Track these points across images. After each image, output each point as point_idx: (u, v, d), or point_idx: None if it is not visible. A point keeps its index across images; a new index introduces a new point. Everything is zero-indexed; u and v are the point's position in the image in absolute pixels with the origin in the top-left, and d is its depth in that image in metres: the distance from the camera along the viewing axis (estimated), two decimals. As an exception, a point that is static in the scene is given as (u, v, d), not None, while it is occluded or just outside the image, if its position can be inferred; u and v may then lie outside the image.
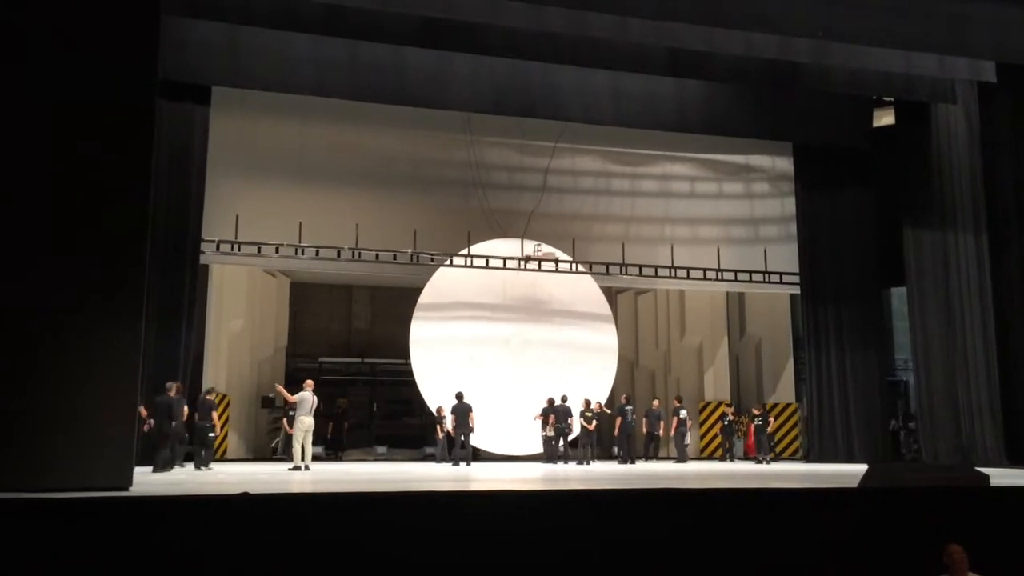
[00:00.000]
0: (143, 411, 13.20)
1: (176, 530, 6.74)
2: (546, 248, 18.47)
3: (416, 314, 18.36)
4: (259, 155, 17.07)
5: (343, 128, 17.68)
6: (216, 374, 18.81)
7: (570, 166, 19.22)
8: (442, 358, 18.18)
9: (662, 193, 19.83)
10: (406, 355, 18.60)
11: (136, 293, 8.52)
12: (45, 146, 8.35)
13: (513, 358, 18.44)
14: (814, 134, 19.06)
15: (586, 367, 18.82)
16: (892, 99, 18.50)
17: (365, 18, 13.96)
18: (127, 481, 8.19)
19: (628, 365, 22.95)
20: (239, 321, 19.89)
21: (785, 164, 20.15)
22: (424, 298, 18.40)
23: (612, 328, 19.61)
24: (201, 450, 14.73)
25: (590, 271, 18.69)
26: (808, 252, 19.38)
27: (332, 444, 20.64)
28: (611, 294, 21.83)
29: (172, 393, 14.09)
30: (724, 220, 19.90)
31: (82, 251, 8.28)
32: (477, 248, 18.26)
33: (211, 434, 14.87)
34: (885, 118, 19.28)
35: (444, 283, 18.43)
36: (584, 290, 19.16)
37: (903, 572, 7.59)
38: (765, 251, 19.59)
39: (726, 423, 20.22)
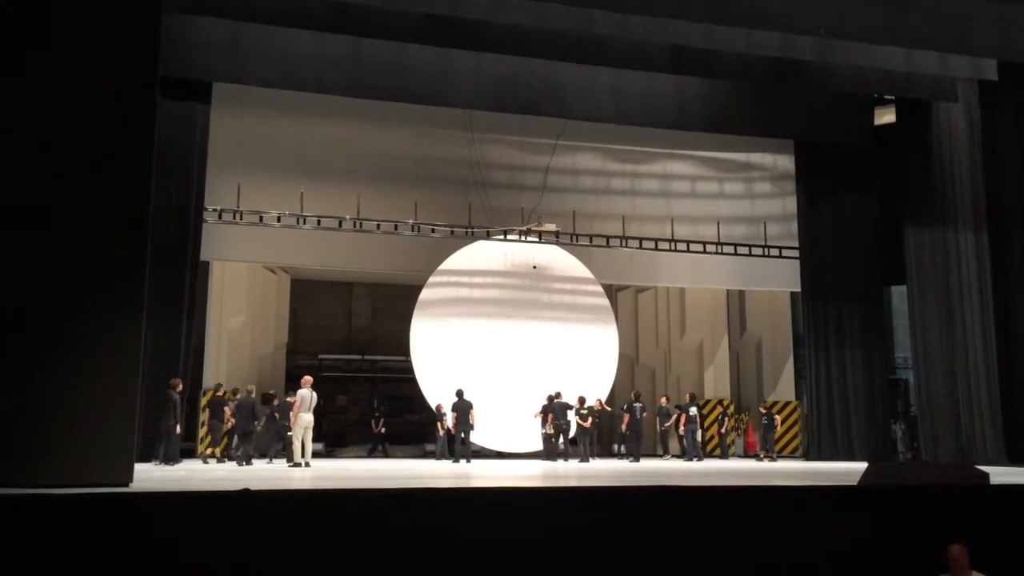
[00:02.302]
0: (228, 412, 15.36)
1: (176, 527, 6.75)
2: (548, 224, 18.39)
3: (417, 310, 18.34)
4: (260, 152, 17.04)
5: (344, 125, 17.64)
6: (217, 371, 18.83)
7: (571, 164, 19.20)
8: (443, 355, 18.17)
9: (663, 192, 19.80)
10: (407, 352, 18.60)
11: (137, 290, 8.52)
12: (45, 144, 8.33)
13: (514, 356, 18.41)
14: (815, 132, 19.05)
15: (586, 365, 18.81)
16: (893, 97, 18.48)
17: (368, 15, 13.95)
18: (127, 477, 8.20)
19: (628, 363, 22.96)
20: (240, 318, 19.89)
21: (786, 162, 20.14)
22: (425, 295, 18.38)
23: (613, 326, 19.60)
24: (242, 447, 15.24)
25: (590, 243, 18.66)
26: (808, 250, 19.37)
27: (331, 441, 20.71)
28: (611, 292, 21.84)
29: None
30: (725, 218, 19.89)
31: (83, 249, 8.27)
32: (477, 246, 18.31)
33: (289, 433, 15.42)
34: (886, 116, 19.26)
35: (445, 280, 18.44)
36: (585, 288, 19.16)
37: (903, 571, 7.60)
38: (765, 225, 19.58)
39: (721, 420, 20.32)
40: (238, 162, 16.73)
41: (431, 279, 18.39)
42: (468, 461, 16.56)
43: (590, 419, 17.54)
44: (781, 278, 19.97)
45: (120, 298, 8.36)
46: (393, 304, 22.74)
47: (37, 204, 8.23)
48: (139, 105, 8.77)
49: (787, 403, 21.40)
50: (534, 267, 18.82)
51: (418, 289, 18.51)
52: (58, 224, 8.24)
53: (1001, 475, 10.78)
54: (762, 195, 20.36)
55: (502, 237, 18.11)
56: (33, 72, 8.41)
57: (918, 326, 17.74)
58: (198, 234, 15.95)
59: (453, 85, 16.51)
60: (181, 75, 15.15)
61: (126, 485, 8.04)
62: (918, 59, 15.19)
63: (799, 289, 19.69)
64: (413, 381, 18.52)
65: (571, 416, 17.40)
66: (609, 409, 18.98)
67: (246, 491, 7.30)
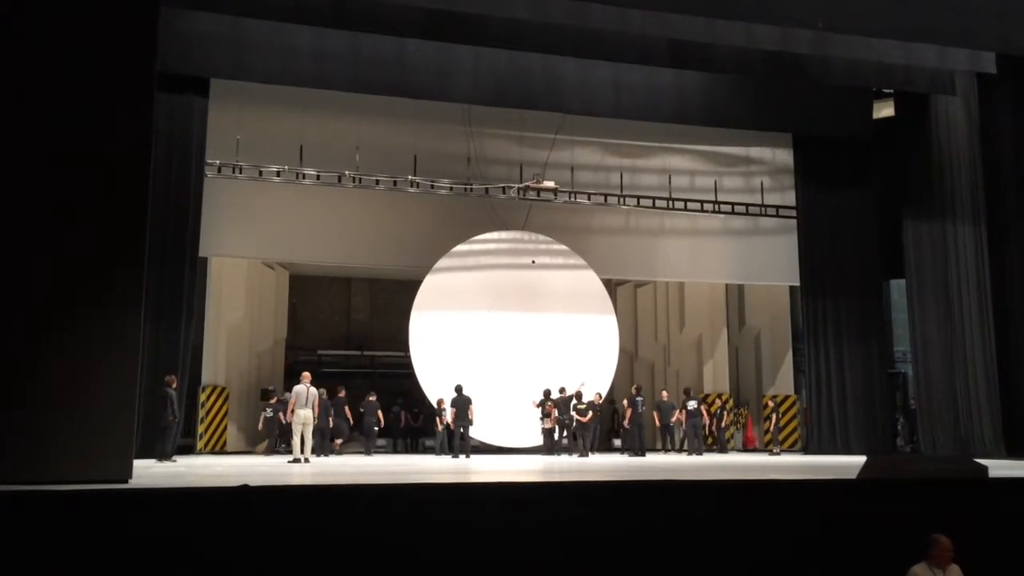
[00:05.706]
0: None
1: (176, 522, 6.74)
2: (547, 182, 18.32)
3: (416, 306, 18.30)
4: (258, 147, 16.96)
5: (342, 120, 17.57)
6: (215, 366, 18.82)
7: (569, 159, 19.17)
8: (441, 350, 18.15)
9: (661, 186, 19.78)
10: (405, 348, 18.59)
11: (135, 285, 8.50)
12: (42, 140, 8.30)
13: (513, 351, 18.40)
14: (814, 126, 19.04)
15: (586, 359, 18.79)
16: (892, 91, 18.46)
17: (367, 10, 13.94)
18: (127, 473, 8.20)
19: (628, 357, 22.95)
20: (238, 313, 19.88)
21: (785, 156, 20.11)
22: (423, 290, 18.35)
23: (613, 320, 19.58)
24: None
25: (589, 201, 18.67)
26: (807, 244, 19.36)
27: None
28: (611, 286, 21.84)
29: None
30: (723, 211, 19.86)
31: (81, 245, 8.24)
32: (477, 240, 18.31)
33: (376, 427, 17.87)
34: (885, 110, 19.26)
35: (443, 277, 18.42)
36: (584, 282, 19.14)
37: (896, 562, 7.59)
38: (762, 183, 19.60)
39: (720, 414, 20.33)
40: (236, 156, 16.68)
41: (429, 277, 18.33)
42: (467, 456, 16.57)
43: (589, 413, 17.52)
44: (780, 272, 19.99)
45: (118, 294, 8.33)
46: (392, 300, 22.74)
47: (34, 200, 8.20)
48: (136, 100, 8.72)
49: (786, 397, 21.43)
50: (532, 262, 18.80)
51: (416, 285, 18.48)
52: (56, 220, 8.20)
53: (999, 468, 10.80)
54: (760, 188, 20.32)
55: (502, 194, 18.10)
56: (30, 67, 8.38)
57: (917, 320, 17.75)
58: (196, 230, 15.91)
59: (452, 80, 16.49)
60: (180, 71, 15.11)
61: (125, 481, 8.03)
62: (916, 52, 15.19)
63: (798, 283, 19.69)
64: (412, 376, 18.51)
65: (571, 411, 17.40)
66: (610, 404, 18.95)
67: (245, 487, 7.29)
